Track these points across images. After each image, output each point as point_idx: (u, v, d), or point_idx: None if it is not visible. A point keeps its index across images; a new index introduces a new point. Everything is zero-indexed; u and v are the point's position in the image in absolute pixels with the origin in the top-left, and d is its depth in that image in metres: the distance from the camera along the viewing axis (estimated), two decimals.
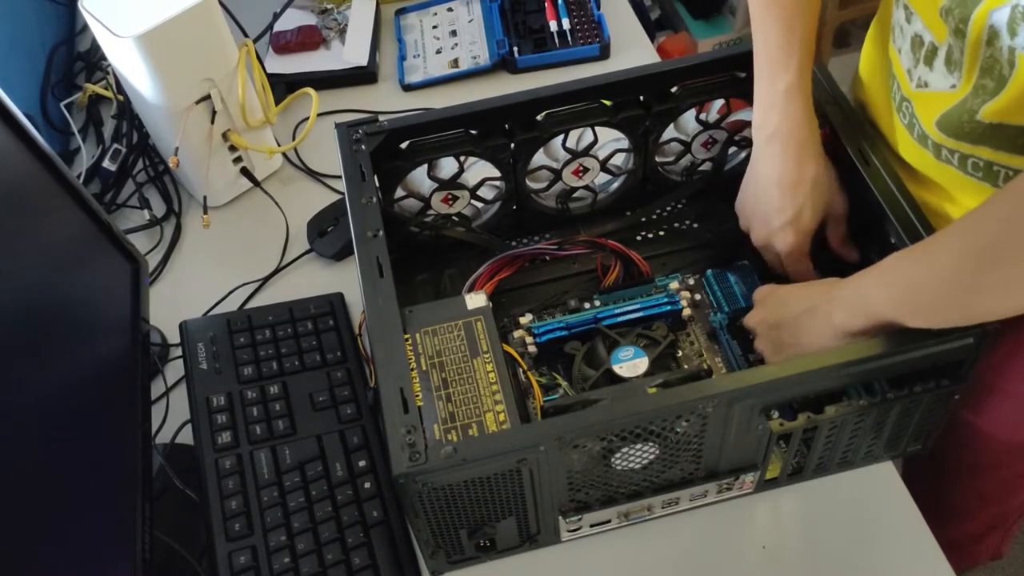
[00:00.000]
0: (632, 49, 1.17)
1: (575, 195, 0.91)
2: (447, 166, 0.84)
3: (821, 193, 0.77)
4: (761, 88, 0.77)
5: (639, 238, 0.91)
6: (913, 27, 0.72)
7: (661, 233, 0.91)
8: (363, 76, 1.16)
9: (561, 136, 0.85)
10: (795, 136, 0.75)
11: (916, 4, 0.71)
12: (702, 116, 0.87)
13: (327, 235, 0.98)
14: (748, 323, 0.77)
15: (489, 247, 0.89)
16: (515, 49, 1.14)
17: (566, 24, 1.16)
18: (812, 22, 0.75)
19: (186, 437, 0.82)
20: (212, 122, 0.96)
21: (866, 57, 0.86)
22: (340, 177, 0.81)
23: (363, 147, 0.80)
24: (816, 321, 0.70)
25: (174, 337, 0.90)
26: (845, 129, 0.78)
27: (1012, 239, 0.56)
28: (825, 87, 0.80)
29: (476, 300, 0.73)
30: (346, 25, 1.20)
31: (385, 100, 1.14)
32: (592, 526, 0.74)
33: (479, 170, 0.85)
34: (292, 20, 1.20)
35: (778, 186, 0.77)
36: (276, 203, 1.03)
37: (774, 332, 0.74)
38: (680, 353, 0.81)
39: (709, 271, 0.86)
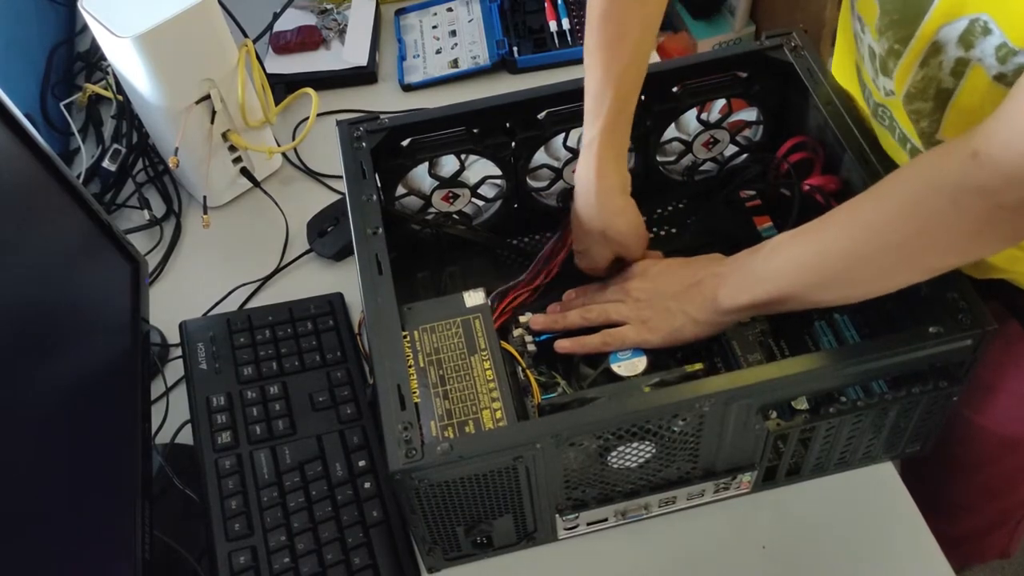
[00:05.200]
0: None
1: None
2: (448, 164, 0.84)
3: (604, 246, 0.79)
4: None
5: None
6: (867, 38, 0.71)
7: (661, 233, 0.91)
8: (363, 76, 1.16)
9: (562, 135, 0.85)
10: (590, 188, 0.77)
11: (866, 17, 0.70)
12: (703, 116, 0.87)
13: (327, 235, 0.98)
14: (631, 291, 0.77)
15: (490, 245, 0.89)
16: (515, 49, 1.14)
17: (566, 24, 1.16)
18: (629, 81, 0.75)
19: (186, 437, 0.82)
20: (212, 122, 0.96)
21: (837, 64, 0.85)
22: (340, 177, 0.81)
23: (364, 144, 0.80)
24: (700, 294, 0.72)
25: (174, 337, 0.90)
26: (843, 128, 0.78)
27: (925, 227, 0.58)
28: (824, 85, 0.80)
29: (474, 298, 0.73)
30: (346, 25, 1.20)
31: (385, 100, 1.14)
32: (589, 524, 0.74)
33: (480, 168, 0.86)
34: (292, 20, 1.20)
35: (576, 223, 0.80)
36: (276, 203, 1.04)
37: (666, 302, 0.75)
38: (679, 353, 0.81)
39: None
